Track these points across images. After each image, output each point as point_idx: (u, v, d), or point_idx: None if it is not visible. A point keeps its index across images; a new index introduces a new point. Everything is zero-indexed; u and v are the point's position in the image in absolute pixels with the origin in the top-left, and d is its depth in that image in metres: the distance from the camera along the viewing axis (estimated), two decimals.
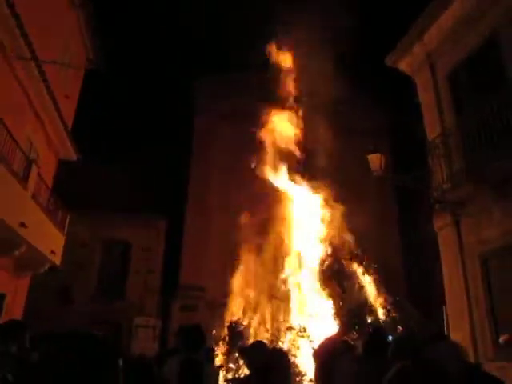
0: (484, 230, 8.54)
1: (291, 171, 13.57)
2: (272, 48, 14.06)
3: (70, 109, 14.94)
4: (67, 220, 13.62)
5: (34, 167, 10.50)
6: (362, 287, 10.79)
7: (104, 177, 18.72)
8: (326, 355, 4.11)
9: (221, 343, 11.19)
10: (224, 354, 10.82)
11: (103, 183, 18.58)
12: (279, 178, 13.29)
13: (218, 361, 10.34)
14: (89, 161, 16.78)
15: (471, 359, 6.55)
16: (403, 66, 11.57)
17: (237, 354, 10.42)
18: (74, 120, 15.56)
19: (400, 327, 9.90)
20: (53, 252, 12.10)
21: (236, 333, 10.80)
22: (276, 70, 13.83)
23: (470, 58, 9.33)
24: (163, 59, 24.35)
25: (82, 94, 16.14)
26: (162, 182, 19.32)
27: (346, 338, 9.33)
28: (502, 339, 7.80)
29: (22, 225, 9.45)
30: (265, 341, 6.18)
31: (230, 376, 9.84)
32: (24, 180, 9.98)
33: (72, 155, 14.97)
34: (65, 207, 13.41)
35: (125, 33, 21.69)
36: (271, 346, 6.64)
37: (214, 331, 12.07)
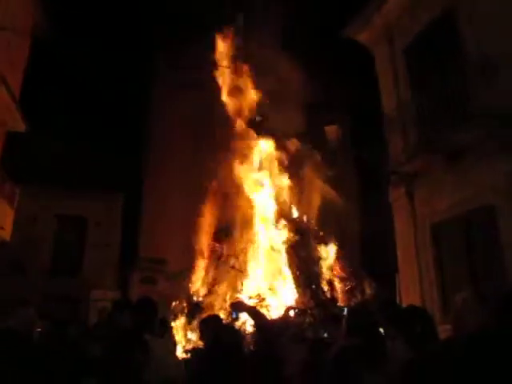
0: (436, 201, 8.83)
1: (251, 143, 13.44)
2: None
3: (16, 77, 14.10)
4: (17, 194, 13.04)
5: None
6: (319, 257, 11.00)
7: (59, 151, 18.01)
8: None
9: (179, 315, 11.20)
10: (183, 326, 10.86)
11: (58, 157, 17.90)
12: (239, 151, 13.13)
13: (178, 333, 10.38)
14: (43, 134, 16.05)
15: None
16: (362, 38, 11.56)
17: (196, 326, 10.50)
18: (23, 91, 14.71)
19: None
20: (1, 227, 11.62)
21: (194, 304, 10.84)
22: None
23: (427, 31, 9.42)
24: (118, 26, 23.22)
25: (32, 62, 15.24)
26: (119, 153, 18.82)
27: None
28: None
29: None
30: (218, 314, 6.23)
31: (189, 347, 9.90)
32: None
33: (20, 125, 14.16)
34: (14, 181, 12.83)
35: None
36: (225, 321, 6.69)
37: (173, 303, 12.07)
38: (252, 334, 8.06)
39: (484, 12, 8.08)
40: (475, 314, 3.23)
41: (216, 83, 13.75)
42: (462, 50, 8.36)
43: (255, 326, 6.47)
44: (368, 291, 10.22)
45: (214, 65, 13.53)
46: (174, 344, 7.33)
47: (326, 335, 5.84)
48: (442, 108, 8.20)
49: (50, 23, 14.70)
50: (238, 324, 7.13)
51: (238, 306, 6.33)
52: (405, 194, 9.51)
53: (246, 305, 6.66)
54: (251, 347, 6.59)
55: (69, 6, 17.76)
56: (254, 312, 5.98)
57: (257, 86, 13.29)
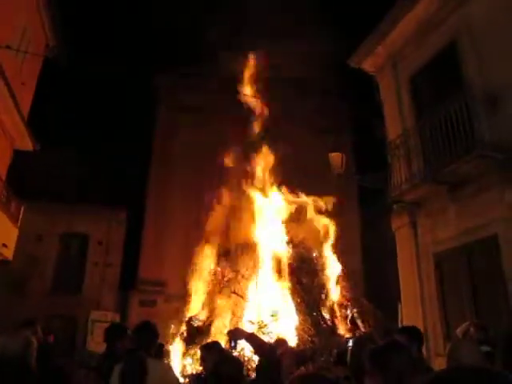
0: (439, 230, 8.80)
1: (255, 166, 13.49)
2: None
3: (26, 96, 14.36)
4: (21, 212, 13.10)
5: None
6: (322, 284, 10.90)
7: (62, 168, 18.16)
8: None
9: (179, 339, 11.06)
10: (181, 350, 10.71)
11: (61, 174, 18.04)
12: (243, 173, 13.17)
13: (175, 356, 10.25)
14: (47, 151, 16.21)
15: (423, 354, 6.72)
16: (366, 66, 11.71)
17: (195, 350, 10.36)
18: (31, 108, 14.95)
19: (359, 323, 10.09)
20: (4, 245, 11.62)
21: (194, 329, 10.71)
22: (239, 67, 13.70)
23: (431, 62, 9.57)
24: (126, 49, 23.72)
25: (41, 81, 15.54)
26: (121, 173, 18.93)
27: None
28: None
29: None
30: (219, 341, 6.09)
31: (188, 372, 9.75)
32: None
33: (28, 145, 14.37)
34: (19, 199, 12.90)
35: (87, 21, 20.97)
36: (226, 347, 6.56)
37: (172, 326, 11.93)
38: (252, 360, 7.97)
39: (486, 44, 8.21)
40: (472, 350, 3.18)
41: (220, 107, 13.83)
42: (465, 81, 8.47)
43: (255, 352, 6.34)
44: (370, 320, 10.09)
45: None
46: (169, 368, 7.20)
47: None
48: (446, 137, 8.24)
49: (61, 44, 15.04)
50: (236, 352, 7.00)
51: (235, 334, 6.18)
52: (408, 222, 9.49)
53: (244, 332, 6.51)
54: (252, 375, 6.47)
55: (79, 29, 18.20)
56: (252, 339, 5.89)
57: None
